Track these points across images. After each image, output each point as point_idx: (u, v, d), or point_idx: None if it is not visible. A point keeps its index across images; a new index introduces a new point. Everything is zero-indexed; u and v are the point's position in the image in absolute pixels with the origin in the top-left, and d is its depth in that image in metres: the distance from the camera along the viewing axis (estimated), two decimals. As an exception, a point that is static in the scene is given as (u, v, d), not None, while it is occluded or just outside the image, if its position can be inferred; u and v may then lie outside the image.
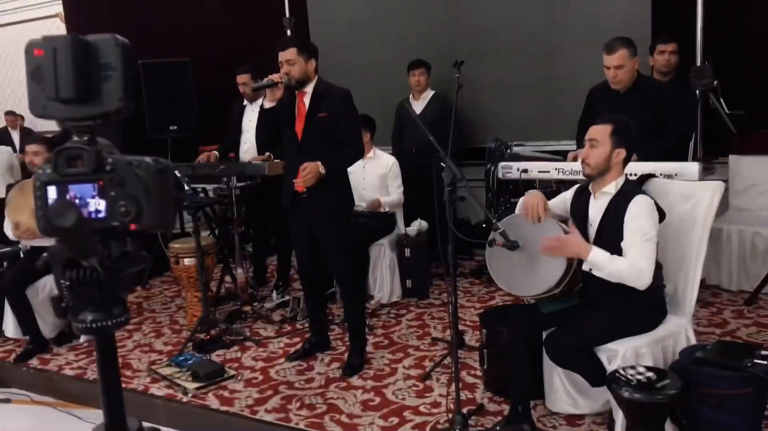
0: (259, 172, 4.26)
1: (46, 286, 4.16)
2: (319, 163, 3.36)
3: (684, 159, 4.27)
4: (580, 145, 3.74)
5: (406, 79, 5.30)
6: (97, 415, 0.99)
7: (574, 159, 3.70)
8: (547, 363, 2.89)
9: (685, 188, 2.92)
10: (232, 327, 4.25)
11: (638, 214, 2.58)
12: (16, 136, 8.44)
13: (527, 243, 2.76)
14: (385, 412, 3.10)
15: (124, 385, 3.54)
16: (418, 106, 5.28)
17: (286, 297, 4.72)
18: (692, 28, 4.57)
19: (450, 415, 2.93)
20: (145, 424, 1.12)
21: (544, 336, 2.87)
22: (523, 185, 3.91)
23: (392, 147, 5.40)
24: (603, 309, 2.72)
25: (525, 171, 3.62)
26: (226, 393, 3.40)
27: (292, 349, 3.91)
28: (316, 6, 6.00)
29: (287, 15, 6.13)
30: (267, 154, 4.71)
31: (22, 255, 4.33)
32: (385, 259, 4.64)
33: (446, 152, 5.02)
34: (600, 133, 2.69)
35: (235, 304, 4.70)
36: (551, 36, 5.08)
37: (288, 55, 3.36)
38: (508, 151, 4.63)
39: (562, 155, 4.32)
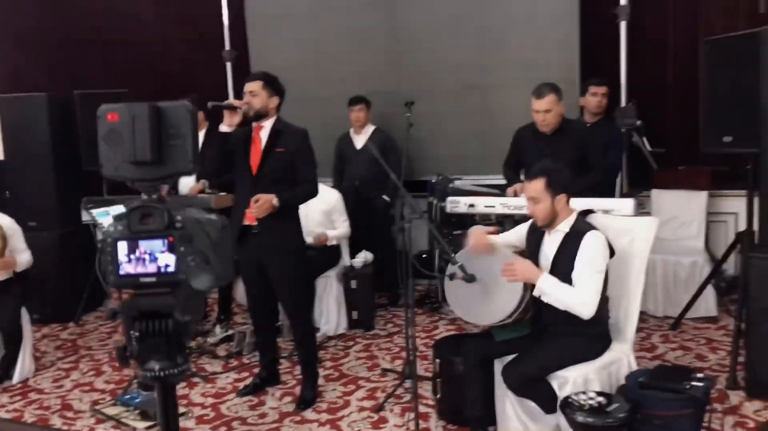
0: (206, 205, 4.25)
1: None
2: (273, 195, 3.38)
3: (612, 194, 4.59)
4: (511, 182, 3.98)
5: (348, 114, 5.42)
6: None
7: (514, 193, 3.92)
8: (499, 390, 3.02)
9: (624, 223, 3.15)
10: (177, 363, 4.16)
11: (590, 248, 2.77)
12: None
13: (483, 275, 2.91)
14: (343, 445, 3.14)
15: (66, 427, 3.43)
16: (359, 140, 5.40)
17: (230, 331, 4.67)
18: (617, 72, 4.94)
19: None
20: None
21: (496, 364, 3.01)
22: (467, 219, 4.10)
23: (333, 180, 5.48)
24: (554, 339, 2.88)
25: (472, 205, 3.79)
26: (178, 432, 3.33)
27: (241, 384, 3.88)
28: (257, 39, 6.04)
29: (227, 47, 6.15)
30: (202, 181, 4.69)
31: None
32: (332, 292, 4.69)
33: (386, 186, 5.21)
34: (536, 190, 2.84)
35: (178, 339, 4.60)
36: (488, 76, 5.33)
37: (253, 86, 3.44)
38: (451, 185, 4.80)
39: (499, 188, 4.54)
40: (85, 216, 5.03)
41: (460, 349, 3.18)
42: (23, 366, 4.12)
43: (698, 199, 4.83)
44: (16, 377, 4.08)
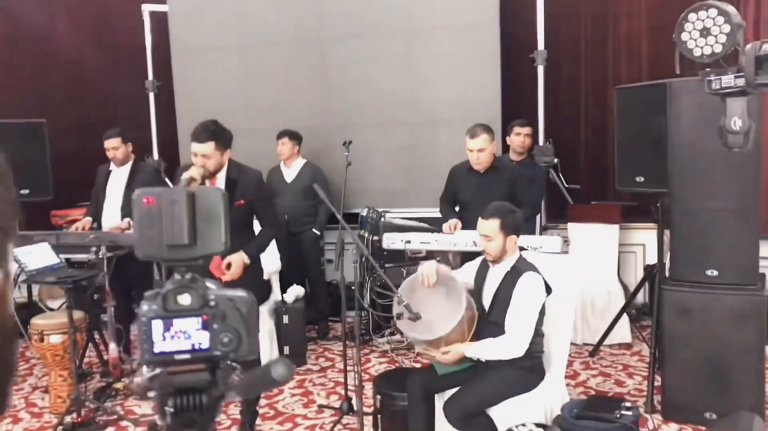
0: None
1: None
2: (242, 254, 3.29)
3: (533, 229, 4.85)
4: (446, 216, 4.14)
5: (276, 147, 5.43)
6: None
7: (450, 229, 4.07)
8: (439, 424, 3.12)
9: (554, 261, 3.36)
10: (104, 406, 4.01)
11: (524, 290, 2.95)
12: None
13: (426, 307, 3.02)
14: (287, 486, 3.13)
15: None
16: (289, 173, 5.43)
17: (157, 370, 4.53)
18: (535, 112, 5.24)
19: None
20: None
21: (437, 399, 3.11)
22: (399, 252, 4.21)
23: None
24: (493, 373, 3.02)
25: (408, 242, 3.91)
26: (112, 481, 3.22)
27: (175, 426, 3.77)
28: (182, 69, 5.95)
29: (150, 77, 6.03)
30: (127, 220, 4.58)
31: None
32: (264, 327, 4.65)
33: (315, 219, 5.26)
34: (490, 229, 3.03)
35: (102, 381, 4.42)
36: (416, 112, 5.52)
37: (205, 149, 3.24)
38: (382, 219, 4.92)
39: (427, 222, 4.70)
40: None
41: (402, 384, 3.26)
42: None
43: (611, 232, 5.17)
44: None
